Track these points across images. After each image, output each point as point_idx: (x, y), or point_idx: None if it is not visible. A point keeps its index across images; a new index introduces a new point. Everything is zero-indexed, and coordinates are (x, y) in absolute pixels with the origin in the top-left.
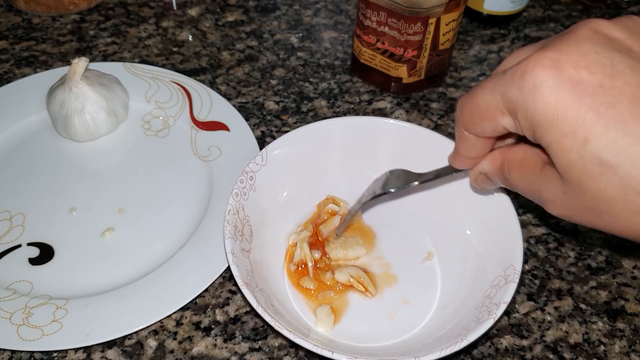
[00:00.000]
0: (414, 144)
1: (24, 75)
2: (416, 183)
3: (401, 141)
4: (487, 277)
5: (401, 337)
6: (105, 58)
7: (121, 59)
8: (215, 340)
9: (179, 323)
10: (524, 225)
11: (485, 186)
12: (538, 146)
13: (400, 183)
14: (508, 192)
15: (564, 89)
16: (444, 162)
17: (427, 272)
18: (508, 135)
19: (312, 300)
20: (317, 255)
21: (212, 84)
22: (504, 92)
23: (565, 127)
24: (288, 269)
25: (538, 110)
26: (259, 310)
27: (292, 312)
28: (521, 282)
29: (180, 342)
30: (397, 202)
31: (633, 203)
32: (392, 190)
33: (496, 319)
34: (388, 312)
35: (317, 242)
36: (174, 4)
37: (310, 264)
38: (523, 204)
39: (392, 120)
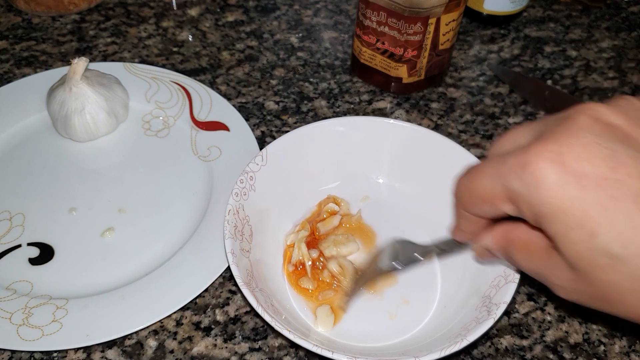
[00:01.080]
0: (414, 144)
1: (24, 75)
2: (421, 259)
3: (401, 141)
4: (487, 277)
5: (401, 337)
6: (105, 58)
7: (121, 59)
8: (215, 340)
9: (179, 323)
10: None
11: (490, 260)
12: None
13: (406, 258)
14: None
15: (568, 183)
16: (443, 162)
17: (427, 272)
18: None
19: (312, 301)
20: (314, 254)
21: (212, 84)
22: (505, 182)
23: (572, 221)
24: (287, 270)
25: (543, 204)
26: (259, 310)
27: (292, 312)
28: (521, 282)
29: (180, 342)
30: (397, 202)
31: None
32: (399, 268)
33: (496, 319)
34: (388, 312)
35: (314, 241)
36: (174, 4)
37: (308, 264)
38: None
39: (392, 120)
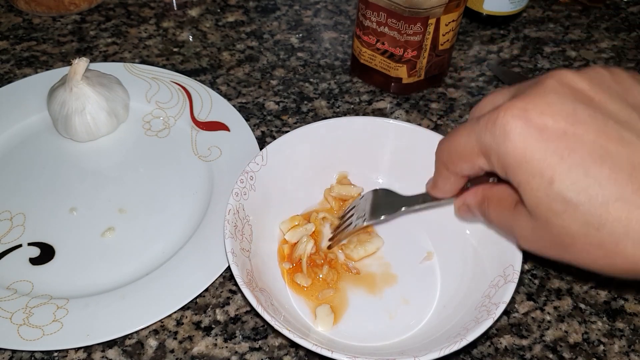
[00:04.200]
0: (414, 144)
1: (24, 76)
2: (403, 209)
3: (401, 141)
4: (487, 276)
5: (401, 337)
6: (105, 58)
7: (122, 60)
8: (216, 339)
9: (179, 323)
10: None
11: (466, 217)
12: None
13: (388, 209)
14: None
15: (531, 135)
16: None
17: (426, 272)
18: (487, 174)
19: (311, 300)
20: (311, 250)
21: (212, 84)
22: (479, 137)
23: (532, 169)
24: (281, 267)
25: (509, 154)
26: (259, 310)
27: (291, 311)
28: (520, 282)
29: (180, 342)
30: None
31: (593, 237)
32: (382, 217)
33: (495, 318)
34: (388, 311)
35: (311, 235)
36: (175, 5)
37: (304, 260)
38: None
39: (392, 121)
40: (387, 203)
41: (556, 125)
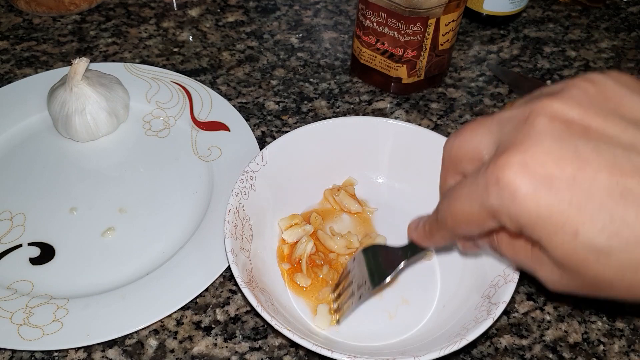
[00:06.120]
0: (414, 144)
1: (24, 76)
2: (402, 265)
3: (401, 141)
4: (486, 276)
5: (401, 337)
6: (105, 58)
7: (122, 60)
8: (216, 339)
9: (179, 322)
10: None
11: (472, 251)
12: None
13: (389, 269)
14: None
15: (540, 190)
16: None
17: (426, 272)
18: None
19: (311, 300)
20: (312, 249)
21: (212, 85)
22: (484, 202)
23: (552, 226)
24: (281, 267)
25: (522, 214)
26: (259, 310)
27: (291, 311)
28: (520, 282)
29: (180, 342)
30: (396, 202)
31: (631, 280)
32: (387, 280)
33: (495, 318)
34: (387, 311)
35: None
36: (175, 5)
37: (303, 260)
38: None
39: (391, 121)
40: (384, 262)
41: (563, 173)
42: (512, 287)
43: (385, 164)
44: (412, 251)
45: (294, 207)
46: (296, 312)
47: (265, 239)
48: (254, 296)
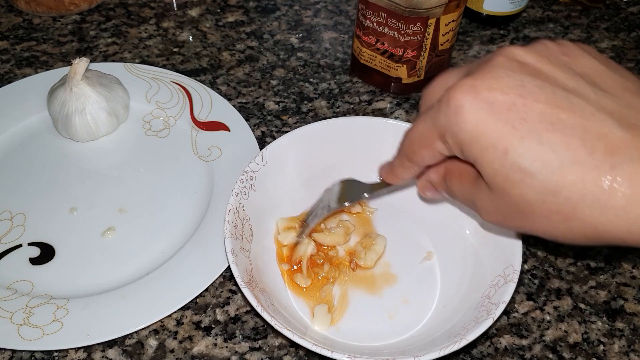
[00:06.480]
0: None
1: (24, 76)
2: (366, 195)
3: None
4: (486, 276)
5: (401, 337)
6: (105, 58)
7: (122, 60)
8: (216, 339)
9: (179, 322)
10: None
11: (430, 195)
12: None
13: (353, 196)
14: None
15: (481, 109)
16: None
17: (426, 272)
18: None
19: (311, 300)
20: (312, 250)
21: (212, 85)
22: (434, 120)
23: (486, 142)
24: (281, 268)
25: (462, 130)
26: (259, 310)
27: (291, 311)
28: (520, 282)
29: (180, 342)
30: (397, 201)
31: (550, 203)
32: (347, 204)
33: (495, 318)
34: (387, 311)
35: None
36: (175, 5)
37: (304, 262)
38: None
39: (392, 121)
40: (351, 191)
41: (505, 98)
42: (512, 287)
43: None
44: (379, 186)
45: (294, 207)
46: (296, 312)
47: (266, 239)
48: (254, 296)
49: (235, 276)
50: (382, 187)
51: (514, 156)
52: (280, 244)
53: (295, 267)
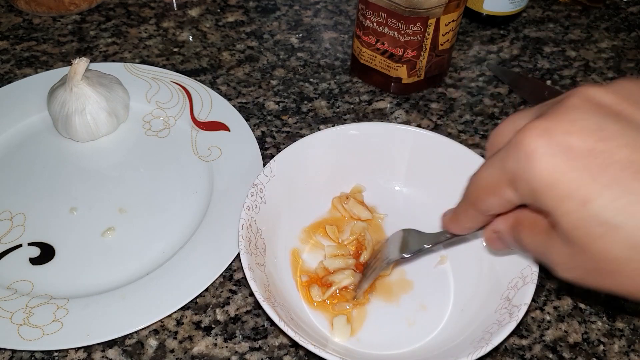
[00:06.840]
0: (429, 152)
1: (24, 76)
2: (427, 246)
3: (417, 150)
4: (504, 278)
5: (421, 342)
6: (105, 58)
7: (122, 60)
8: (216, 339)
9: (179, 322)
10: None
11: (496, 247)
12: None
13: (413, 246)
14: None
15: (556, 155)
16: (459, 170)
17: (439, 276)
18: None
19: (328, 312)
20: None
21: (212, 85)
22: (503, 165)
23: (563, 191)
24: (298, 280)
25: (536, 177)
26: (282, 326)
27: (309, 323)
28: None
29: (180, 342)
30: (407, 206)
31: (638, 262)
32: (406, 255)
33: (518, 320)
34: (406, 318)
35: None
36: (175, 5)
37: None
38: None
39: (405, 127)
40: (411, 242)
41: (583, 143)
42: (532, 288)
43: (399, 171)
44: (442, 237)
45: (304, 216)
46: (314, 324)
47: (277, 251)
48: (275, 313)
49: (255, 293)
50: (444, 237)
51: (594, 207)
52: (296, 256)
53: (320, 284)
